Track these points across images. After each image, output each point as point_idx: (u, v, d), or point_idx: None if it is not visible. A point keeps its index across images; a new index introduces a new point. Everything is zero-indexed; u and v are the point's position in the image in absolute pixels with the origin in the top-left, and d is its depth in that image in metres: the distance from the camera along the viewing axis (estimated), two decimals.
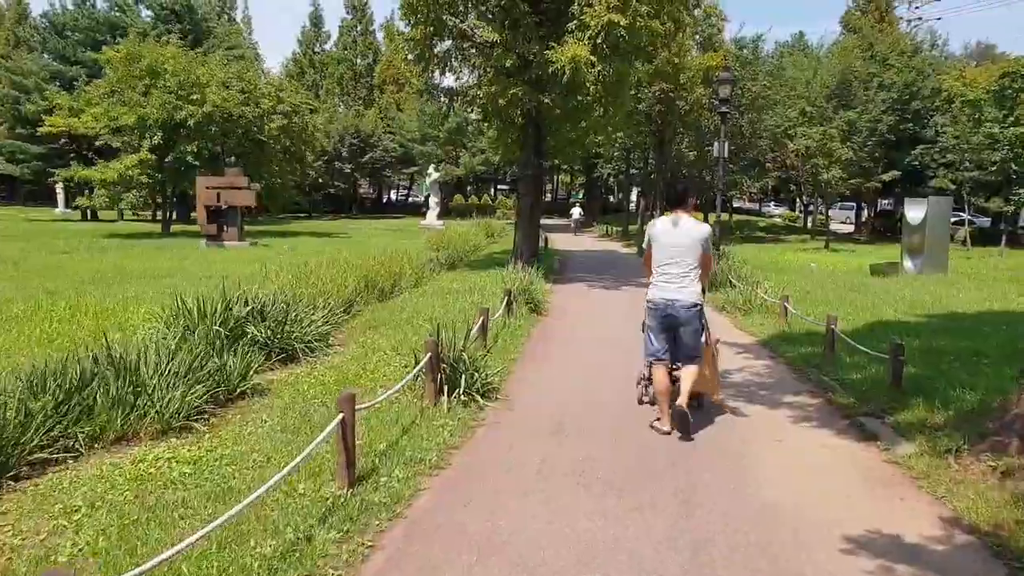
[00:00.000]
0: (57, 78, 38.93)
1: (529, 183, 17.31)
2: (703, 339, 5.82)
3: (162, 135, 25.76)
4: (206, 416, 5.53)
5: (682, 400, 5.41)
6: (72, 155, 35.25)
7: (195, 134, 26.27)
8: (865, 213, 45.98)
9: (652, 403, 6.12)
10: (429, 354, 6.13)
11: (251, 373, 6.55)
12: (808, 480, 4.60)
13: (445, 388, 6.19)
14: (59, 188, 40.42)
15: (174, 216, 32.45)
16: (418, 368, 6.12)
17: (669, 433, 5.48)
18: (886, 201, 46.97)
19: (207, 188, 22.62)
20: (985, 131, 27.00)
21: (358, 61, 62.58)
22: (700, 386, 5.84)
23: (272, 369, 7.43)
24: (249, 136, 28.99)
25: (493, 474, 4.58)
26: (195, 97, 25.66)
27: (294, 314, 8.32)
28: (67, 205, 41.84)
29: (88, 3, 43.84)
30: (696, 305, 5.60)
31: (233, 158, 29.26)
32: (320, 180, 56.70)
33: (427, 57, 16.71)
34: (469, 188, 69.54)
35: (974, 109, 27.55)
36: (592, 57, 14.24)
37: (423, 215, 41.10)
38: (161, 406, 5.18)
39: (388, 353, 7.97)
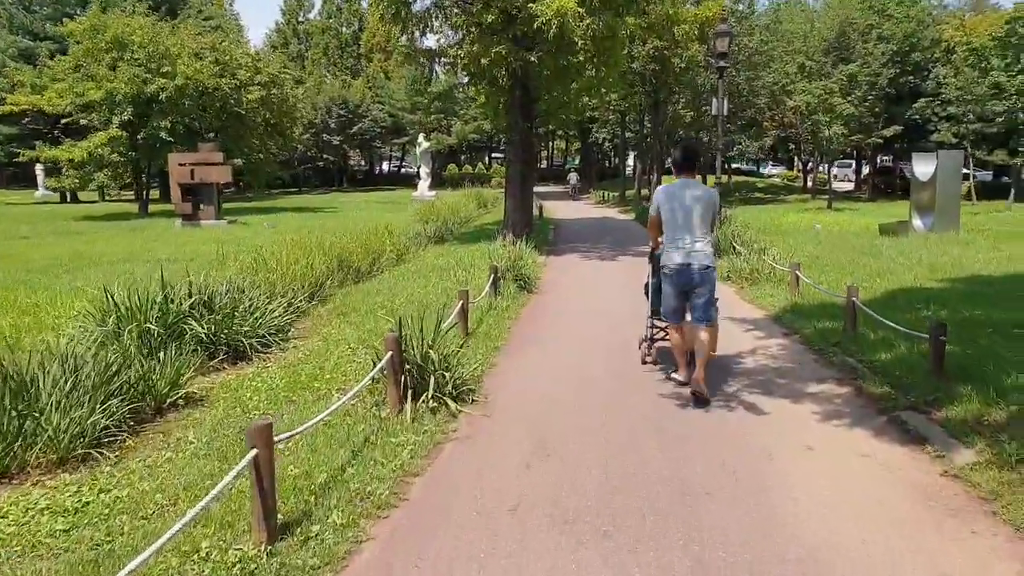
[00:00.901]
0: (26, 55, 37.44)
1: (518, 148, 16.25)
2: (716, 297, 5.87)
3: (132, 111, 24.55)
4: (120, 438, 4.61)
5: (700, 374, 5.45)
6: (47, 134, 33.96)
7: (168, 109, 25.04)
8: (865, 170, 44.83)
9: (655, 363, 6.45)
10: (390, 353, 5.20)
11: (185, 379, 5.62)
12: (852, 508, 3.68)
13: (411, 392, 5.26)
14: (39, 170, 39.13)
15: (155, 195, 31.30)
16: (376, 370, 5.19)
17: (686, 383, 5.63)
18: (885, 157, 45.81)
19: (180, 165, 21.50)
20: (991, 80, 25.78)
21: (344, 30, 60.79)
22: (707, 355, 5.75)
23: (219, 370, 6.51)
24: (227, 110, 27.78)
25: (457, 514, 3.66)
26: (166, 70, 24.40)
27: (247, 304, 7.37)
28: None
29: None
30: (710, 267, 5.60)
31: (213, 134, 28.06)
32: (309, 153, 55.48)
33: (404, 16, 15.56)
34: (463, 157, 68.16)
35: (979, 58, 26.28)
36: (580, 9, 13.11)
37: (415, 186, 39.99)
38: (56, 431, 4.25)
39: (353, 347, 7.03)
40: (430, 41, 49.13)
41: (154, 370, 5.49)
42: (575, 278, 12.28)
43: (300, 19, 60.59)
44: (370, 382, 5.17)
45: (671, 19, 21.75)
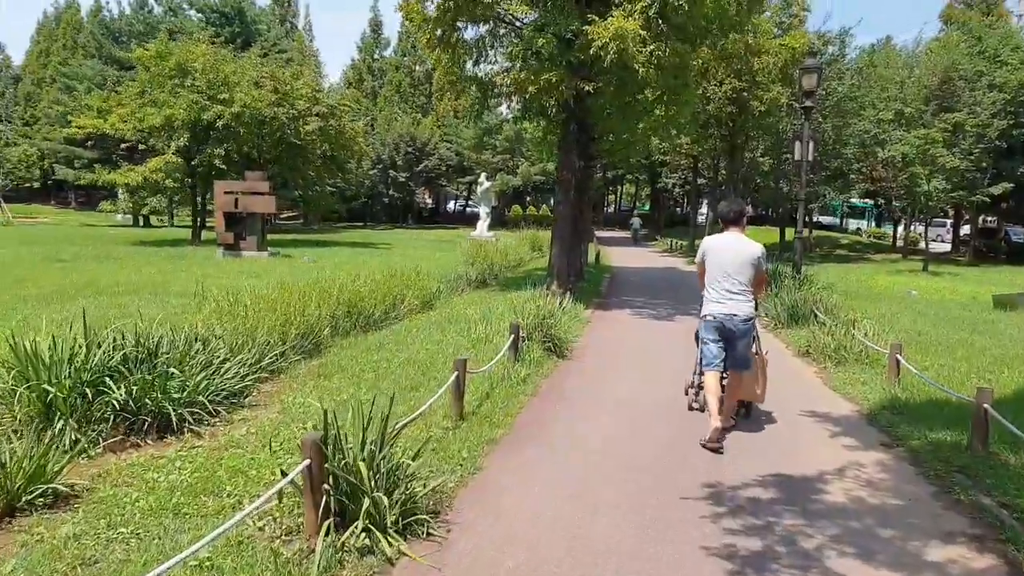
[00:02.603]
0: (111, 82, 38.37)
1: (569, 188, 14.64)
2: (754, 350, 6.08)
3: (189, 137, 24.17)
4: None
5: (722, 418, 5.66)
6: (124, 158, 34.37)
7: (224, 136, 24.59)
8: (964, 232, 41.34)
9: (701, 410, 6.35)
10: (307, 461, 3.58)
11: (60, 467, 4.18)
12: None
13: (332, 521, 3.61)
14: (120, 194, 39.90)
15: (213, 223, 31.02)
16: (286, 482, 3.58)
17: (718, 428, 5.56)
18: (989, 218, 42.20)
19: (225, 193, 20.78)
20: None
21: (416, 67, 60.98)
22: (749, 396, 6.23)
23: (139, 446, 5.04)
24: (284, 140, 27.25)
25: None
26: (224, 97, 23.98)
27: (200, 359, 5.92)
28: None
29: (146, 8, 43.45)
30: (750, 319, 5.83)
31: (269, 163, 27.58)
32: (375, 189, 55.42)
33: (455, 41, 14.33)
34: (528, 199, 67.13)
35: None
36: (643, 32, 11.52)
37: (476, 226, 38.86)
38: None
39: (316, 423, 5.44)
40: (482, 69, 48.64)
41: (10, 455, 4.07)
42: (620, 341, 10.47)
43: (375, 56, 61.17)
44: (294, 494, 3.56)
45: (750, 49, 19.87)
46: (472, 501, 4.32)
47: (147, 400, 5.25)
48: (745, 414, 6.40)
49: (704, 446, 5.49)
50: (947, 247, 40.57)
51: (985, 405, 5.40)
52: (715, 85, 24.56)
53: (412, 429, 5.36)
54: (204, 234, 27.20)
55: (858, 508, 4.42)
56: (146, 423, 5.23)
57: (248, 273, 15.61)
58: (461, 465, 4.83)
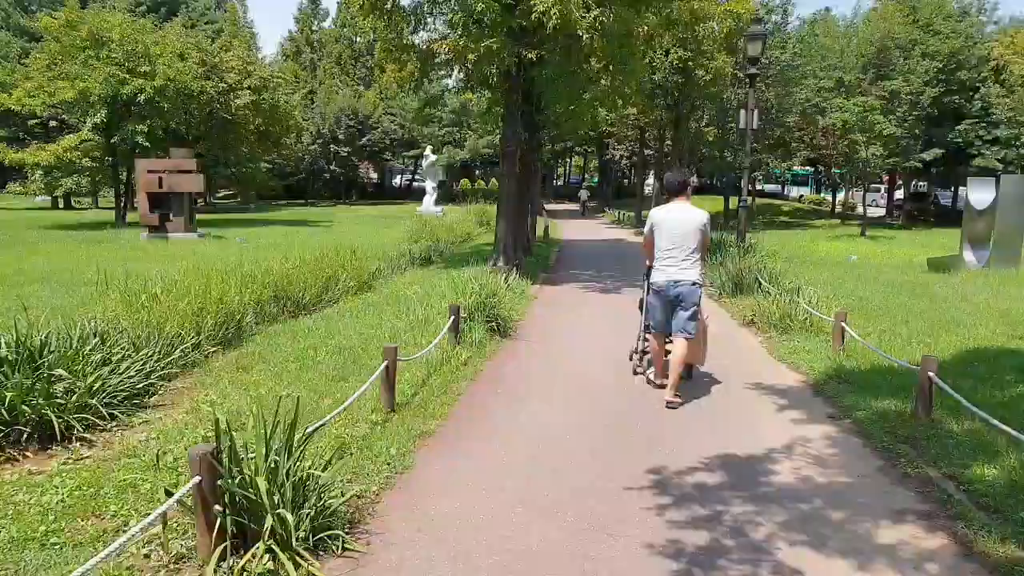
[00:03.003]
0: (15, 54, 36.10)
1: (513, 161, 14.21)
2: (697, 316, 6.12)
3: (107, 112, 22.84)
4: None
5: (673, 378, 5.88)
6: (34, 136, 32.46)
7: (147, 112, 23.33)
8: (897, 196, 42.34)
9: (644, 373, 6.70)
10: (196, 479, 3.15)
11: None
12: None
13: (229, 544, 3.20)
14: (30, 174, 37.84)
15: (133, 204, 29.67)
16: (172, 501, 3.15)
17: (662, 387, 6.04)
18: (920, 183, 43.28)
19: (148, 172, 19.71)
20: None
21: (357, 39, 59.28)
22: (691, 358, 6.28)
23: (15, 460, 4.51)
24: (214, 115, 26.04)
25: None
26: (145, 69, 22.69)
27: (96, 358, 5.37)
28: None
29: None
30: (696, 284, 5.98)
31: (199, 140, 26.38)
32: (315, 165, 53.95)
33: (389, 7, 13.69)
34: (477, 172, 66.37)
35: None
36: None
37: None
38: None
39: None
40: (420, 37, 47.50)
41: None
42: (566, 317, 10.17)
43: (314, 28, 59.26)
44: (187, 513, 3.12)
45: (696, 15, 19.58)
46: (399, 506, 3.95)
47: (25, 407, 4.70)
48: (687, 376, 6.50)
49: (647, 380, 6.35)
50: (882, 212, 41.48)
51: (930, 373, 5.26)
52: (661, 54, 24.29)
53: (336, 425, 4.96)
54: (129, 216, 25.91)
55: (807, 489, 4.19)
56: (24, 433, 4.68)
57: (172, 257, 14.82)
58: (389, 464, 4.45)
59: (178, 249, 16.94)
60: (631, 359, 7.00)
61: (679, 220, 6.00)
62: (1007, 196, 14.32)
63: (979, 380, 6.13)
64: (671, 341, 6.17)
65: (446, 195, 53.27)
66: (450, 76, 16.62)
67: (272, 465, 3.39)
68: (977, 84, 32.04)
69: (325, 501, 3.51)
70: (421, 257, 16.34)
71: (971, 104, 31.85)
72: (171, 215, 19.98)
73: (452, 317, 7.47)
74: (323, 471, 3.61)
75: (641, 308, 6.90)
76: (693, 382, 6.54)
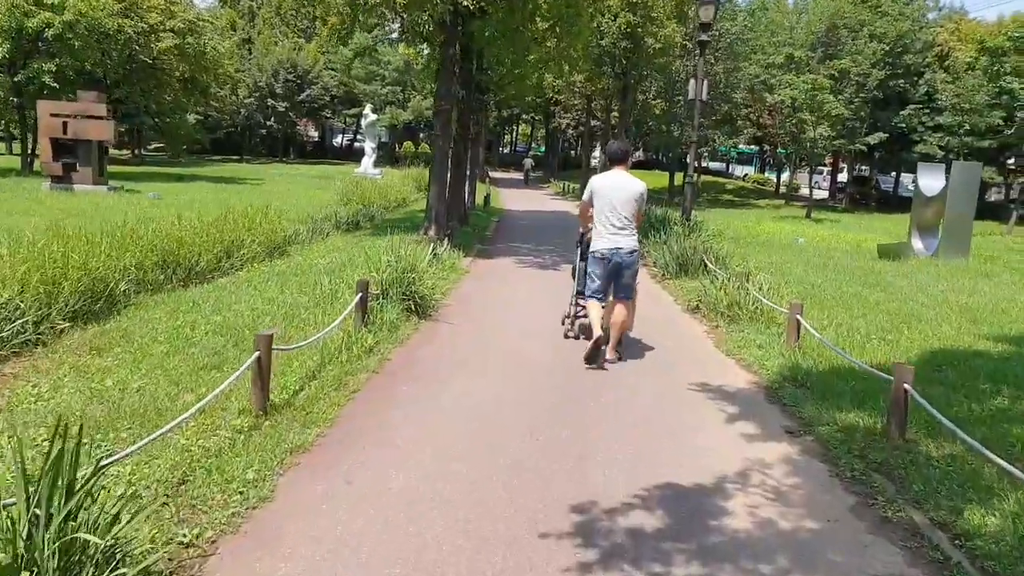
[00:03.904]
0: None
1: (447, 121, 13.09)
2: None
3: (11, 47, 20.67)
4: None
5: (612, 344, 6.17)
6: None
7: (55, 49, 21.23)
8: (840, 179, 42.62)
9: (577, 338, 6.82)
10: None
11: None
12: None
13: None
14: None
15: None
16: None
17: (601, 337, 5.97)
18: (862, 167, 43.65)
19: (51, 115, 17.85)
20: (1004, 86, 23.27)
21: None
22: (627, 323, 6.39)
23: None
24: (134, 58, 23.97)
25: None
26: (53, 1, 20.57)
27: None
28: None
29: None
30: (635, 251, 6.21)
31: (118, 85, 24.29)
32: (253, 119, 51.39)
33: None
34: (421, 135, 64.42)
35: (993, 59, 23.74)
36: None
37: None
38: None
39: (50, 425, 3.90)
40: None
41: None
42: (498, 295, 9.23)
43: None
44: None
45: None
46: (238, 562, 2.96)
47: None
48: (618, 358, 6.25)
49: (586, 363, 5.93)
50: (824, 194, 41.74)
51: (905, 385, 4.50)
52: (609, 18, 23.30)
53: (188, 434, 3.93)
54: (38, 164, 23.76)
55: (768, 539, 3.36)
56: None
57: (69, 211, 13.28)
58: (241, 493, 3.45)
59: (80, 203, 15.30)
60: (563, 323, 7.06)
61: (620, 187, 6.14)
62: (957, 183, 13.93)
63: (951, 388, 5.45)
64: (604, 307, 6.31)
65: (388, 157, 51.55)
66: (383, 26, 15.34)
67: (31, 521, 2.36)
68: (922, 69, 32.11)
69: (118, 571, 2.50)
70: (348, 221, 15.13)
71: (916, 89, 31.92)
72: (77, 165, 18.17)
73: (359, 294, 6.44)
74: (116, 523, 2.58)
75: (574, 274, 7.06)
76: (634, 381, 5.71)
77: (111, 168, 27.38)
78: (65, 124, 17.71)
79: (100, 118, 18.21)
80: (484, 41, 15.00)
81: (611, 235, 6.10)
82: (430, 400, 5.02)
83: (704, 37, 13.81)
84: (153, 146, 46.65)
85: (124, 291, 6.86)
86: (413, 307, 7.35)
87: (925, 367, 6.13)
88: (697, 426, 4.83)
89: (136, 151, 42.43)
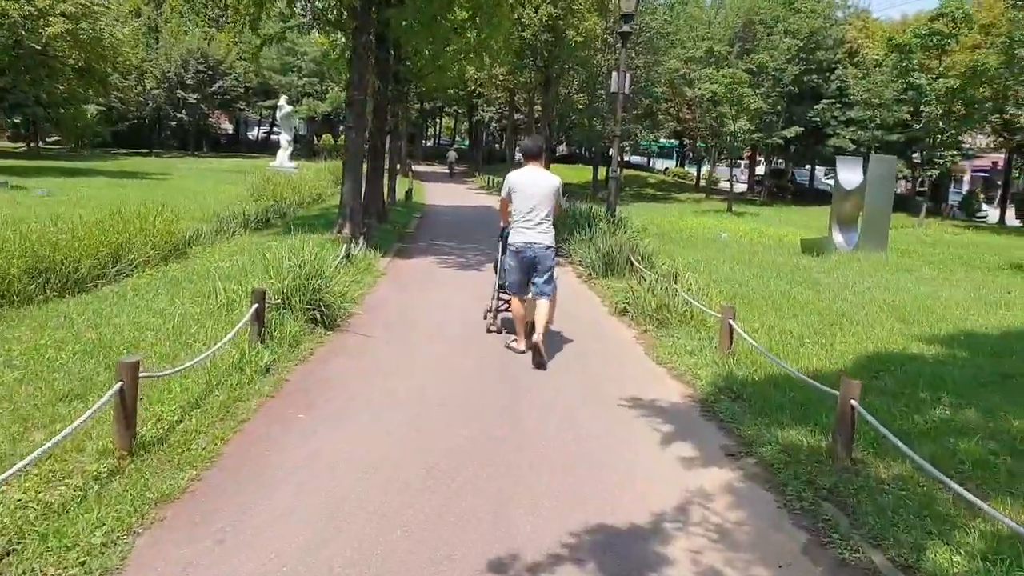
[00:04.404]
0: None
1: (362, 112, 12.34)
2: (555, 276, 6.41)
3: None
4: None
5: (540, 336, 6.01)
6: None
7: None
8: (758, 172, 43.59)
9: (500, 331, 6.95)
10: None
11: None
12: None
13: None
14: None
15: None
16: None
17: (524, 352, 6.18)
18: (778, 160, 44.79)
19: None
20: (912, 81, 24.02)
21: None
22: (548, 317, 6.29)
23: None
24: (20, 44, 22.13)
25: None
26: None
27: None
28: None
29: None
30: (551, 247, 6.31)
31: (2, 73, 22.40)
32: (162, 111, 48.82)
33: None
34: (341, 127, 62.67)
35: (902, 55, 24.45)
36: None
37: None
38: None
39: None
40: None
41: None
42: (417, 300, 8.62)
43: None
44: None
45: None
46: None
47: None
48: (541, 359, 6.04)
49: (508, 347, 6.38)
50: (743, 187, 42.62)
51: (852, 402, 4.17)
52: (531, 10, 22.87)
53: (34, 482, 3.23)
54: None
55: None
56: None
57: None
58: (82, 565, 2.79)
59: None
60: (485, 318, 7.14)
61: (535, 183, 6.23)
62: (875, 176, 14.09)
63: (891, 397, 5.19)
64: (525, 301, 6.40)
65: (306, 150, 49.85)
66: (293, 13, 14.47)
67: None
68: (833, 65, 33.00)
69: None
70: (257, 219, 14.22)
71: (828, 84, 32.78)
72: None
73: (255, 305, 5.74)
74: None
75: (495, 268, 7.14)
76: (561, 399, 5.24)
77: (2, 162, 25.40)
78: None
79: None
80: (401, 30, 14.32)
81: (527, 230, 6.21)
82: (329, 431, 4.41)
83: (626, 28, 13.49)
84: (53, 139, 43.76)
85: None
86: (319, 317, 6.68)
87: (862, 373, 5.89)
88: (630, 451, 4.39)
89: (32, 144, 39.66)
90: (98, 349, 5.35)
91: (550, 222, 6.27)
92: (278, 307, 6.39)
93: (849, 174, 14.93)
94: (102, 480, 3.45)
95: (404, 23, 14.08)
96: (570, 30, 23.73)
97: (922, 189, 30.81)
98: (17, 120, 30.89)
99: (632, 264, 10.06)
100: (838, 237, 14.76)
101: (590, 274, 10.67)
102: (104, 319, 6.21)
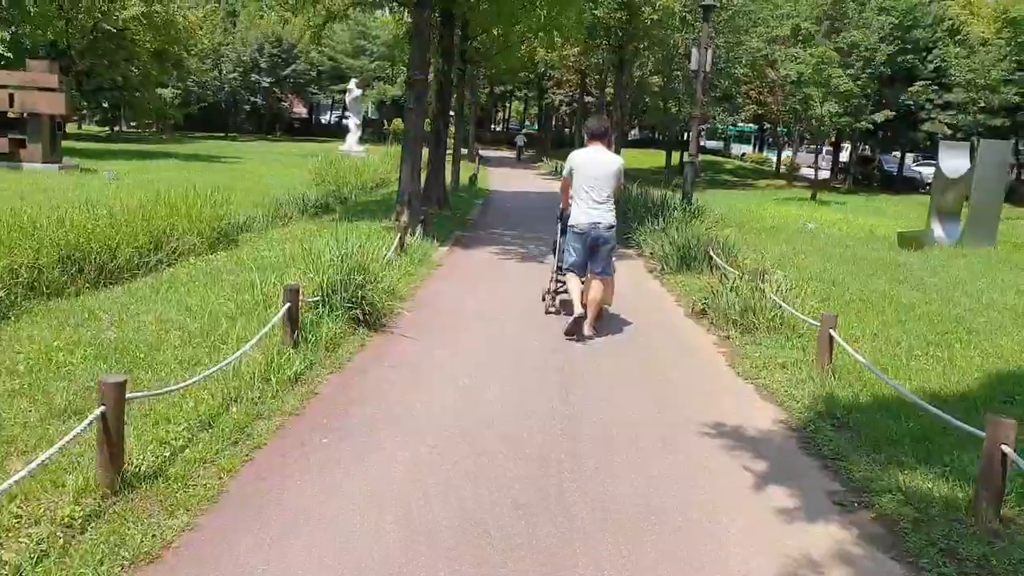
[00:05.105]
0: None
1: (423, 92, 11.70)
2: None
3: None
4: None
5: (592, 315, 6.20)
6: None
7: (8, 14, 19.70)
8: (842, 158, 41.22)
9: (558, 313, 6.85)
10: None
11: None
12: None
13: None
14: None
15: None
16: None
17: (581, 317, 6.12)
18: (864, 145, 42.26)
19: None
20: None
21: None
22: (606, 299, 6.54)
23: None
24: (98, 26, 22.44)
25: None
26: None
27: None
28: None
29: None
30: (613, 226, 6.31)
31: (81, 56, 22.77)
32: (237, 95, 49.75)
33: None
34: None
35: (1016, 31, 22.31)
36: None
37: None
38: None
39: None
40: None
41: None
42: (473, 295, 7.95)
43: None
44: None
45: None
46: None
47: None
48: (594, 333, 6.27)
49: (567, 335, 6.11)
50: (826, 174, 40.41)
51: (1004, 447, 3.27)
52: None
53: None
54: None
55: None
56: None
57: (7, 193, 11.94)
58: None
59: (23, 184, 13.91)
60: (543, 299, 7.13)
61: (599, 163, 6.24)
62: (986, 164, 12.65)
63: None
64: (584, 282, 6.38)
65: (377, 134, 49.91)
66: None
67: None
68: (931, 44, 30.66)
69: None
70: (316, 205, 13.82)
71: (925, 65, 30.49)
72: (27, 141, 16.75)
73: (286, 305, 5.15)
74: None
75: (554, 250, 7.11)
76: (633, 424, 4.46)
77: (82, 145, 26.01)
78: (12, 96, 16.26)
79: (52, 90, 16.76)
80: (468, 6, 13.64)
81: (590, 209, 6.20)
82: (353, 463, 3.74)
83: (709, 1, 12.42)
84: (136, 123, 45.08)
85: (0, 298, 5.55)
86: (362, 316, 6.06)
87: (990, 397, 4.91)
88: (714, 499, 3.58)
89: (115, 128, 40.83)
90: (115, 351, 4.86)
91: (612, 202, 6.28)
92: (317, 305, 5.80)
93: (953, 161, 13.48)
94: (76, 527, 2.88)
95: None
96: (646, 7, 22.55)
97: None
98: (105, 104, 31.81)
99: (711, 259, 9.13)
100: (938, 230, 13.37)
101: (663, 268, 9.78)
102: (131, 315, 5.75)
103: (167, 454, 3.56)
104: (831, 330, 5.39)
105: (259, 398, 4.36)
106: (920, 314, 7.16)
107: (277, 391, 4.50)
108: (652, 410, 4.74)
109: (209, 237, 8.85)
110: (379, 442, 4.01)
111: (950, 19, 30.38)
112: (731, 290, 7.08)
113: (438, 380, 5.11)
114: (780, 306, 6.60)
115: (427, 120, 14.85)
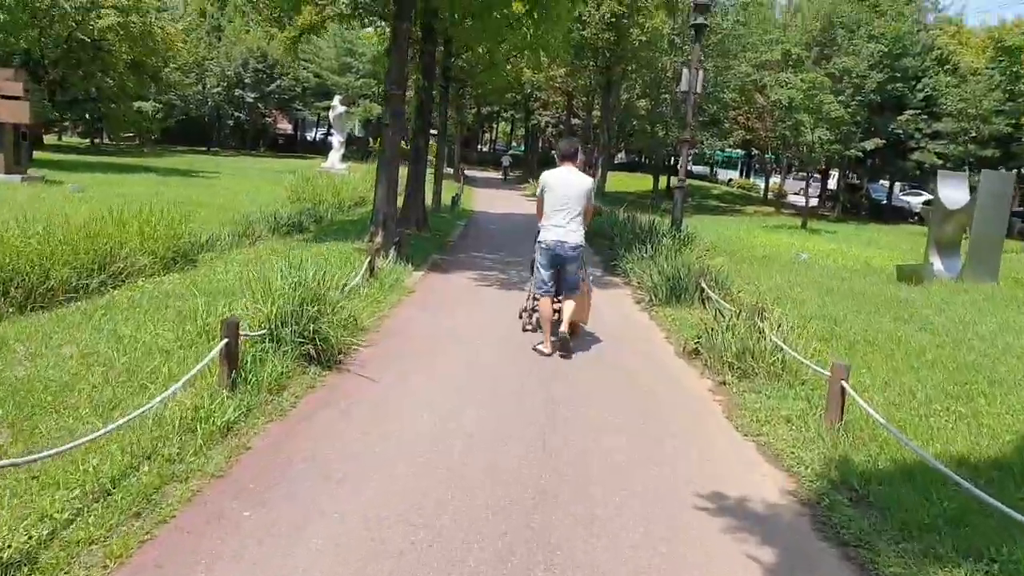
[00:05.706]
0: None
1: (398, 110, 11.09)
2: (581, 276, 6.64)
3: None
4: None
5: (564, 328, 6.34)
6: None
7: None
8: (828, 186, 41.04)
9: (535, 330, 6.94)
10: None
11: None
12: None
13: None
14: None
15: None
16: None
17: (550, 355, 6.21)
18: (852, 174, 42.13)
19: None
20: (1019, 89, 21.67)
21: None
22: (578, 316, 6.72)
23: None
24: (73, 37, 21.77)
25: None
26: None
27: None
28: None
29: None
30: (579, 246, 6.47)
31: (54, 66, 22.06)
32: (221, 109, 49.07)
33: None
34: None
35: (1012, 59, 22.13)
36: None
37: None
38: None
39: None
40: None
41: None
42: (445, 325, 7.29)
43: None
44: None
45: None
46: None
47: None
48: (570, 334, 6.46)
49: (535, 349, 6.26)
50: (814, 202, 40.19)
51: None
52: (592, 6, 21.43)
53: None
54: None
55: None
56: None
57: None
58: None
59: None
60: (520, 317, 7.24)
61: (569, 183, 6.38)
62: (987, 195, 12.18)
63: None
64: (559, 302, 6.54)
65: (361, 152, 49.33)
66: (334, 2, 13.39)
67: None
68: (920, 73, 30.57)
69: None
70: (289, 223, 13.11)
71: (914, 94, 30.37)
72: None
73: (224, 340, 4.46)
74: None
75: (531, 268, 7.13)
76: (615, 488, 3.80)
77: (59, 157, 25.18)
78: None
79: (15, 98, 16.03)
80: (450, 20, 13.10)
81: (557, 228, 6.35)
82: (282, 544, 3.05)
83: (701, 20, 11.96)
84: (112, 136, 44.22)
85: None
86: (315, 352, 5.37)
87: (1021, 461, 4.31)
88: None
89: (95, 140, 40.00)
90: (17, 393, 4.15)
91: (580, 222, 6.40)
92: (263, 339, 5.12)
93: (952, 191, 13.00)
94: None
95: (454, 14, 12.89)
96: (634, 28, 22.19)
97: (1020, 209, 28.19)
98: (87, 116, 31.01)
99: (703, 291, 8.54)
100: (937, 263, 12.86)
101: (651, 299, 9.15)
102: (51, 347, 5.04)
103: (45, 533, 2.88)
104: (843, 381, 4.78)
105: (178, 454, 3.68)
106: (933, 360, 6.56)
107: (202, 445, 3.82)
108: (641, 476, 4.08)
109: (164, 257, 8.14)
110: (317, 513, 3.33)
111: (939, 48, 30.34)
112: (727, 329, 6.46)
113: (394, 429, 4.43)
114: (781, 348, 5.99)
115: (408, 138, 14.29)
